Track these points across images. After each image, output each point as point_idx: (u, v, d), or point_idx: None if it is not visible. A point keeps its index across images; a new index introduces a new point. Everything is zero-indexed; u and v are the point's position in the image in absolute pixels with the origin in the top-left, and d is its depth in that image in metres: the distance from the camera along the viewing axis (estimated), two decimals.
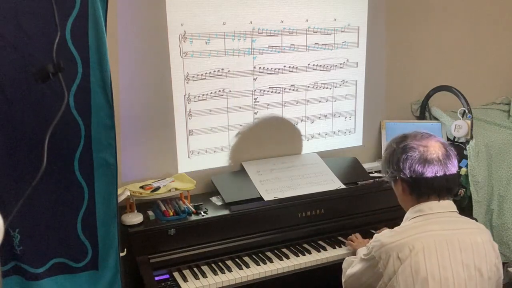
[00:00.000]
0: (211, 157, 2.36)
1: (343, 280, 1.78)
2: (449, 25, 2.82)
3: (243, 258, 2.07)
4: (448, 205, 1.59)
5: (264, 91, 2.40)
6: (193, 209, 2.08)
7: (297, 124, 2.51)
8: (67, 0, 1.50)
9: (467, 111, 2.54)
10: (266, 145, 2.46)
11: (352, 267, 1.71)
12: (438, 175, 1.54)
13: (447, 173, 1.55)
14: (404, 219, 1.63)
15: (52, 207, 1.65)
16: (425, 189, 1.56)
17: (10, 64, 1.49)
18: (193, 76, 2.24)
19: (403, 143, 1.59)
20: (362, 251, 1.94)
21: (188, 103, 2.26)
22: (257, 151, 2.44)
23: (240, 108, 2.37)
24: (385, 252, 1.51)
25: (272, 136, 2.47)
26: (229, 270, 1.98)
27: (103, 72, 1.59)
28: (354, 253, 2.04)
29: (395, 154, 1.60)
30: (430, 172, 1.54)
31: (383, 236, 1.55)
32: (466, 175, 2.51)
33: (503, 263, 2.70)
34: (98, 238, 1.73)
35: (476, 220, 2.39)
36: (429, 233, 1.51)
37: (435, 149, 1.56)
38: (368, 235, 2.15)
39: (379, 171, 2.52)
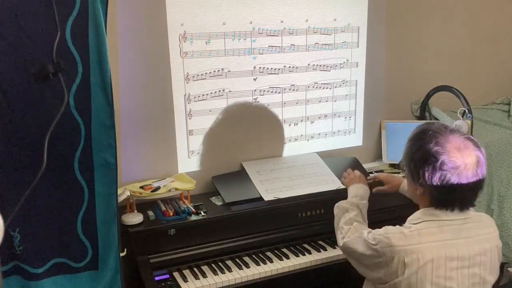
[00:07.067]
0: (211, 157, 2.36)
1: (340, 239, 1.74)
2: (449, 25, 2.82)
3: (243, 258, 2.07)
4: (464, 212, 1.53)
5: (264, 91, 2.39)
6: (193, 209, 2.08)
7: (297, 124, 2.52)
8: (67, 0, 1.50)
9: (467, 111, 2.54)
10: (266, 145, 2.46)
11: (352, 238, 1.67)
12: (467, 191, 1.47)
13: (475, 188, 1.47)
14: (414, 217, 1.56)
15: (52, 207, 1.65)
16: (450, 202, 1.49)
17: (10, 64, 1.49)
18: (193, 76, 2.24)
19: (443, 154, 1.44)
20: (353, 190, 1.99)
21: (188, 103, 2.26)
22: (256, 151, 2.44)
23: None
24: (391, 252, 1.48)
25: (272, 136, 2.48)
26: (229, 270, 1.98)
27: (103, 72, 1.59)
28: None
29: (430, 164, 1.45)
30: (459, 192, 1.45)
31: (393, 234, 1.50)
32: None
33: (503, 263, 2.71)
34: (98, 238, 1.73)
35: None
36: (442, 242, 1.46)
37: (472, 166, 1.44)
38: None
39: (379, 171, 2.52)
